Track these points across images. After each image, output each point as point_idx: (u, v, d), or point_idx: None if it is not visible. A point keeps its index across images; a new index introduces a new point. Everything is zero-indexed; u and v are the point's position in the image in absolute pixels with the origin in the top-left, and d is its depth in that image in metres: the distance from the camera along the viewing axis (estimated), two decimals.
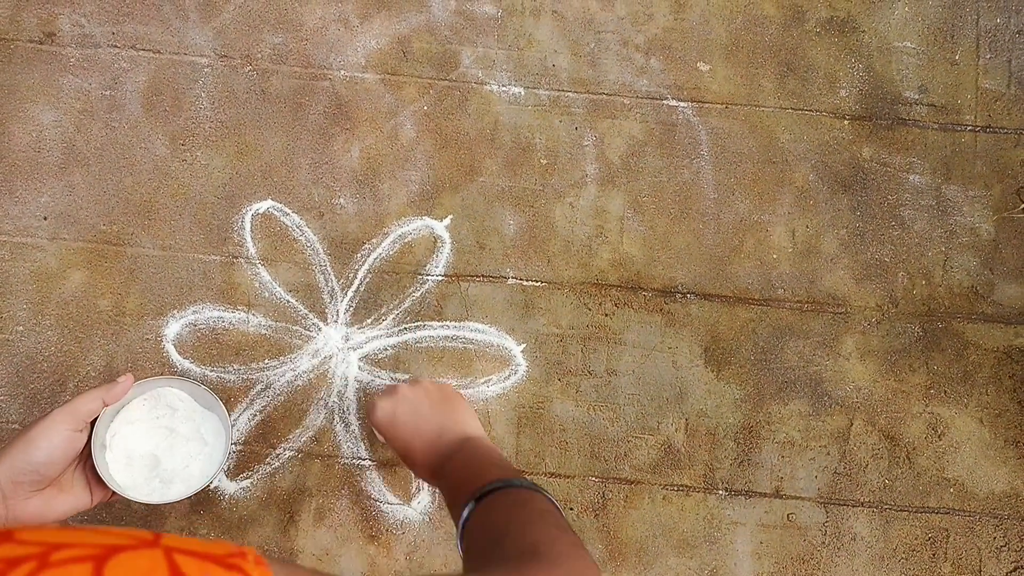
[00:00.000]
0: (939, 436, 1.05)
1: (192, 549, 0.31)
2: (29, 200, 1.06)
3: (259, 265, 1.06)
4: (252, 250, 1.06)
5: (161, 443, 0.89)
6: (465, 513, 0.68)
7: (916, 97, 1.12)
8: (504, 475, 0.70)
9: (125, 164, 1.07)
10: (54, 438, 0.74)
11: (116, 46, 1.09)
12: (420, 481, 1.03)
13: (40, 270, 1.04)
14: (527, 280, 1.07)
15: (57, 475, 0.75)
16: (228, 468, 1.02)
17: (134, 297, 1.04)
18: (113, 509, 1.01)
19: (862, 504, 1.04)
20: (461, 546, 0.68)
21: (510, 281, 1.07)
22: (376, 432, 0.91)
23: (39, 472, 0.72)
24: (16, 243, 1.05)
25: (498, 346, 1.06)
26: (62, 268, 1.05)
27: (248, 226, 1.06)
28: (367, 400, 1.00)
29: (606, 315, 1.07)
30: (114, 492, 0.81)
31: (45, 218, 1.05)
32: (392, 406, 0.88)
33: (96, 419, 0.80)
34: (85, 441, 0.79)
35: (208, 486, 0.94)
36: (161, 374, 1.02)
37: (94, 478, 0.80)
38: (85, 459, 0.80)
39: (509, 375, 1.05)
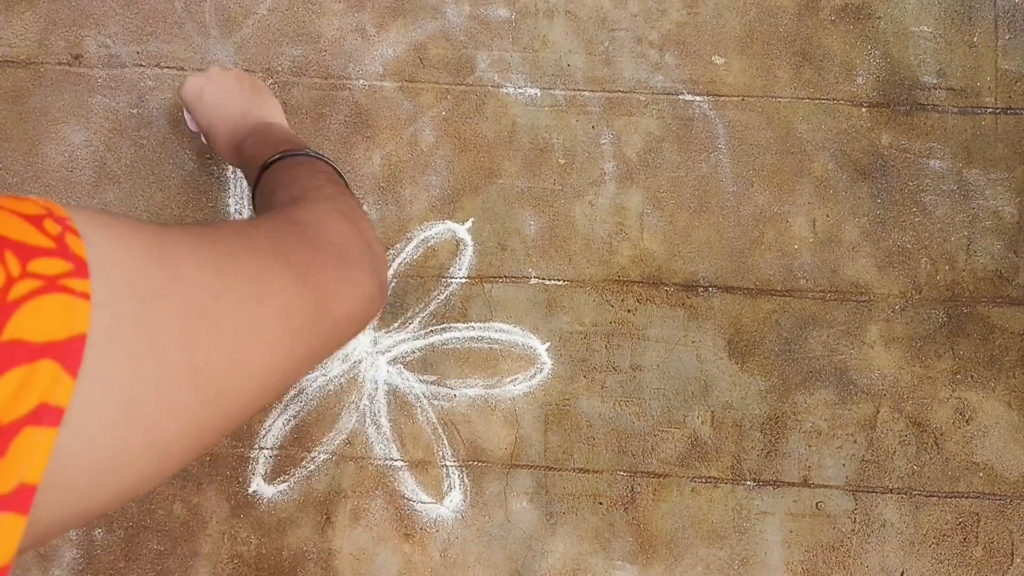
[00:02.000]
0: (967, 421, 1.05)
1: None
2: None
3: None
4: None
5: None
6: (254, 182, 0.72)
7: (934, 81, 1.11)
8: (293, 148, 0.74)
9: (155, 180, 1.10)
10: None
11: (141, 65, 1.12)
12: (451, 480, 1.05)
13: None
14: (549, 279, 1.09)
15: None
16: (265, 473, 1.05)
17: None
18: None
19: (891, 491, 1.04)
20: (254, 208, 0.73)
21: (532, 281, 1.09)
22: (184, 109, 0.94)
23: None
24: None
25: (523, 345, 1.08)
26: None
27: None
28: (180, 83, 0.98)
29: (629, 311, 1.08)
30: None
31: None
32: (202, 83, 0.91)
33: None
34: None
35: None
36: None
37: None
38: None
39: (535, 373, 1.07)
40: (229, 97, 0.90)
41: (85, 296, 0.33)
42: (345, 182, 0.71)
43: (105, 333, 0.33)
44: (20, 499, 0.29)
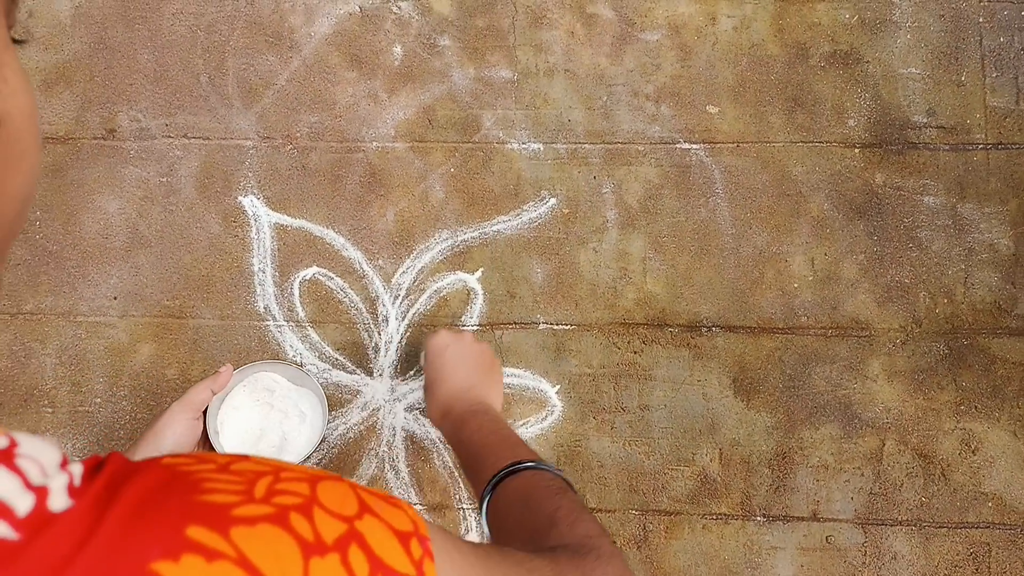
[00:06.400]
0: (973, 451, 1.07)
1: (362, 487, 0.40)
2: (100, 283, 1.16)
3: (308, 327, 1.14)
4: (301, 314, 1.14)
5: (265, 421, 1.04)
6: (496, 479, 0.73)
7: (925, 120, 1.15)
8: (534, 457, 0.76)
9: (184, 243, 1.17)
10: (177, 427, 0.90)
11: (170, 136, 1.20)
12: (468, 523, 1.09)
13: (113, 346, 1.15)
14: (557, 324, 1.13)
15: None
16: None
17: (198, 365, 1.14)
18: None
19: (900, 523, 1.06)
20: (487, 511, 0.73)
21: (541, 326, 1.13)
22: (423, 354, 1.02)
23: None
24: (91, 322, 1.16)
25: (534, 389, 1.12)
26: (132, 342, 1.15)
27: (297, 292, 1.15)
28: (434, 330, 1.03)
29: (635, 353, 1.12)
30: None
31: (115, 298, 1.16)
32: (450, 341, 0.98)
33: (207, 409, 0.97)
34: (202, 428, 0.95)
35: (314, 451, 1.07)
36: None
37: None
38: (202, 445, 0.97)
39: (546, 416, 1.11)
40: (465, 365, 0.96)
41: None
42: (574, 490, 0.72)
43: None
44: None
